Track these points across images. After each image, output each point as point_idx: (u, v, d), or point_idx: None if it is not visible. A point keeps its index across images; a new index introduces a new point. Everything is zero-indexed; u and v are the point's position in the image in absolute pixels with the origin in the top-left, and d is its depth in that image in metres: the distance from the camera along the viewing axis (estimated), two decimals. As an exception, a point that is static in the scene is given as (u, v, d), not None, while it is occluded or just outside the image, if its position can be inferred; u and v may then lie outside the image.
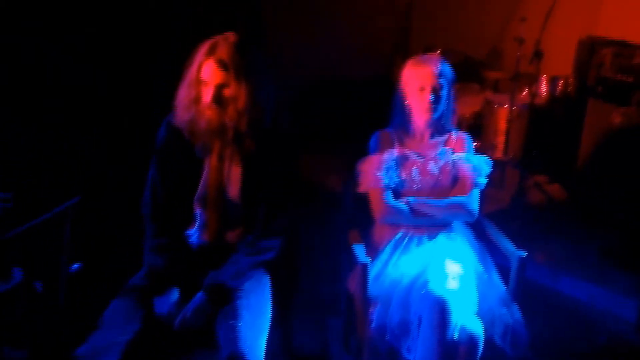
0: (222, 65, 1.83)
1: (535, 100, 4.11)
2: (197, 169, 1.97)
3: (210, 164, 1.96)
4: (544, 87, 4.29)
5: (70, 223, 2.10)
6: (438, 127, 2.23)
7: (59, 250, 2.15)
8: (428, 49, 4.45)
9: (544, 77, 4.25)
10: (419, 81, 2.13)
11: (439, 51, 4.23)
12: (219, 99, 1.85)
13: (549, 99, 4.28)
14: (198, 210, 1.99)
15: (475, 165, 2.18)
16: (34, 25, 2.99)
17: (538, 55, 3.76)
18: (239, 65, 1.84)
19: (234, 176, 1.95)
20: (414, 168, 2.18)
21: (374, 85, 4.78)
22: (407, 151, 2.21)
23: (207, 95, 1.86)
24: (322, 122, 4.78)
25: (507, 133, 4.01)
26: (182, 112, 1.93)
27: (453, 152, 2.22)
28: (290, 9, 4.72)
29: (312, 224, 3.39)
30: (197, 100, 1.89)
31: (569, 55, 4.45)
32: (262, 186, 1.94)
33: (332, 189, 3.78)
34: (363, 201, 2.20)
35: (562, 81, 4.27)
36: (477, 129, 4.29)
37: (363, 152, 2.25)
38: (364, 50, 4.89)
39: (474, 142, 2.27)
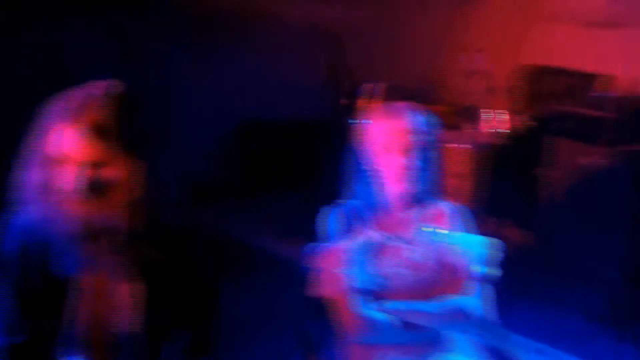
0: (95, 132, 1.21)
1: (488, 137, 3.74)
2: (61, 294, 1.28)
3: (83, 285, 1.28)
4: (496, 123, 3.91)
5: None
6: (416, 200, 1.64)
7: None
8: (369, 85, 3.94)
9: (496, 111, 3.87)
10: (386, 140, 1.56)
11: (384, 86, 3.75)
12: (91, 185, 1.22)
13: (503, 134, 3.91)
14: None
15: (469, 249, 1.60)
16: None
17: (491, 90, 3.42)
18: (119, 132, 1.20)
19: (122, 302, 1.28)
20: (387, 258, 1.58)
21: (305, 125, 4.51)
22: (376, 235, 1.60)
23: (71, 179, 1.22)
24: (253, 167, 4.53)
25: (461, 175, 3.59)
26: (33, 207, 1.25)
27: (438, 231, 1.64)
28: (215, 49, 4.29)
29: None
30: (55, 188, 1.22)
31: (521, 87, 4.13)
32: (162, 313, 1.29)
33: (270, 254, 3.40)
34: (321, 309, 1.57)
35: (515, 116, 3.90)
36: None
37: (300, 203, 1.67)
38: (293, 88, 4.48)
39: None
